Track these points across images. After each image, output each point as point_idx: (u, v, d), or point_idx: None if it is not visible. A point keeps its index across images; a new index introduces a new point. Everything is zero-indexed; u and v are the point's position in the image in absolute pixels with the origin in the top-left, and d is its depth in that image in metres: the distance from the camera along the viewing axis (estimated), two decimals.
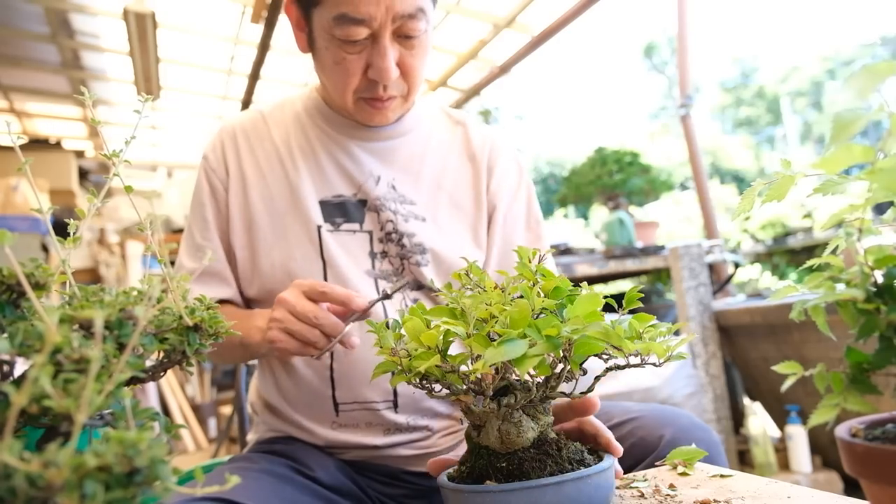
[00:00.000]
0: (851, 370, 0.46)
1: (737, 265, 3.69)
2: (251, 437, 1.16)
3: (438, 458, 0.72)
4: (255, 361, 1.27)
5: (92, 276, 4.39)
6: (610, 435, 0.71)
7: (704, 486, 0.68)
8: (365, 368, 0.99)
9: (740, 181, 19.43)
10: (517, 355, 0.53)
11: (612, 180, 3.37)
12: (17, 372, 0.41)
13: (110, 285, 0.48)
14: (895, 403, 0.47)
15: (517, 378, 0.64)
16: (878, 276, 0.44)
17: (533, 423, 0.63)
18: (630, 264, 2.95)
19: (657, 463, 0.80)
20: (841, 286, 0.46)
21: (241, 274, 1.08)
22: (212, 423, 4.56)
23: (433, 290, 0.90)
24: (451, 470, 0.68)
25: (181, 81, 4.97)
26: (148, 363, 0.46)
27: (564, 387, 0.65)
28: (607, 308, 0.62)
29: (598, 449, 0.69)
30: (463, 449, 0.68)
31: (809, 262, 0.52)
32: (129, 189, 0.54)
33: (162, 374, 0.49)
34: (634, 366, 0.61)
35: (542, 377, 0.62)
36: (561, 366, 0.60)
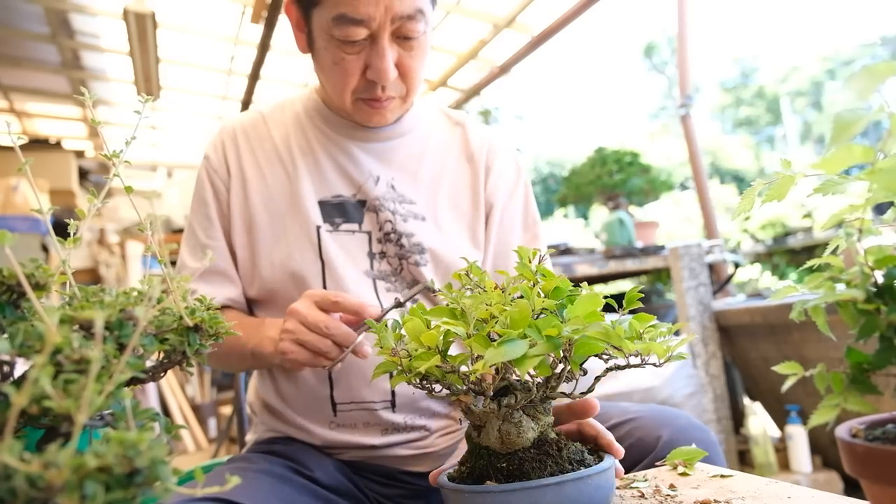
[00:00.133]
0: (852, 370, 0.46)
1: (737, 265, 3.69)
2: (250, 438, 1.16)
3: (441, 469, 0.72)
4: None
5: (92, 276, 4.39)
6: (611, 437, 0.71)
7: (705, 486, 0.68)
8: (363, 368, 0.99)
9: (740, 181, 19.41)
10: (517, 356, 0.53)
11: (612, 180, 3.36)
12: (18, 372, 0.41)
13: (110, 286, 0.48)
14: (895, 403, 0.47)
15: (517, 378, 0.64)
16: (879, 276, 0.44)
17: (533, 424, 0.63)
18: (630, 264, 2.94)
19: (657, 463, 0.80)
20: (841, 286, 0.46)
21: (242, 274, 1.08)
22: (212, 423, 4.56)
23: (432, 291, 0.90)
24: (451, 470, 0.68)
25: (181, 81, 4.98)
26: (148, 364, 0.46)
27: (565, 387, 0.65)
28: (607, 308, 0.62)
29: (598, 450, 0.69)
30: (461, 450, 0.68)
31: (809, 263, 0.52)
32: (129, 189, 0.54)
33: (162, 374, 0.49)
34: (634, 366, 0.61)
35: (543, 377, 0.62)
36: (561, 366, 0.60)
